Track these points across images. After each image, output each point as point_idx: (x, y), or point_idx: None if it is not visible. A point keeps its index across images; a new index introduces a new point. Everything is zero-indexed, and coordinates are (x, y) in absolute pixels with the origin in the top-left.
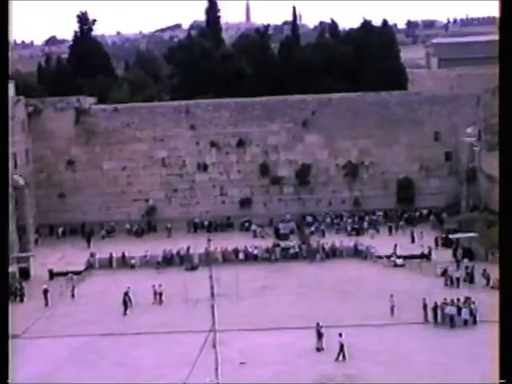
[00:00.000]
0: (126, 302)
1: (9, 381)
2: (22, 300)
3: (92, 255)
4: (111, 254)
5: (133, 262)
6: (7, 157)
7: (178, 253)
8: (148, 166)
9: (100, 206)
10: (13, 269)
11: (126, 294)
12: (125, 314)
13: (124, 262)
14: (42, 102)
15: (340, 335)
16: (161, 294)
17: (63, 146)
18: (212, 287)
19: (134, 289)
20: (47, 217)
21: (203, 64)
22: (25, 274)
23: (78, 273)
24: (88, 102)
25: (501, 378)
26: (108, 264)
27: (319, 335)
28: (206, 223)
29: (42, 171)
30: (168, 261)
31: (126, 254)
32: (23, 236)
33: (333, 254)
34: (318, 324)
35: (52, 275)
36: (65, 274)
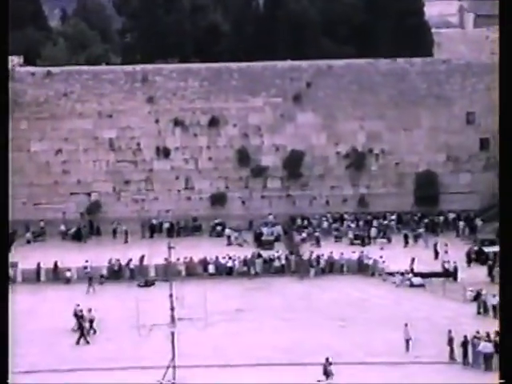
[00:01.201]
0: (82, 326)
1: (9, 381)
2: None
3: (13, 265)
4: (39, 265)
5: (68, 274)
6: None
7: (129, 263)
8: (91, 149)
9: (25, 201)
10: None
11: (77, 315)
12: (78, 342)
13: (56, 275)
14: None
15: (328, 362)
16: (91, 321)
17: None
18: (172, 309)
19: (67, 310)
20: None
21: (167, 17)
22: None
23: None
24: (11, 62)
25: (501, 377)
26: (34, 277)
27: (326, 374)
28: (166, 225)
29: None
30: (115, 274)
31: (60, 265)
32: None
33: (330, 268)
34: (327, 360)
35: None
36: None
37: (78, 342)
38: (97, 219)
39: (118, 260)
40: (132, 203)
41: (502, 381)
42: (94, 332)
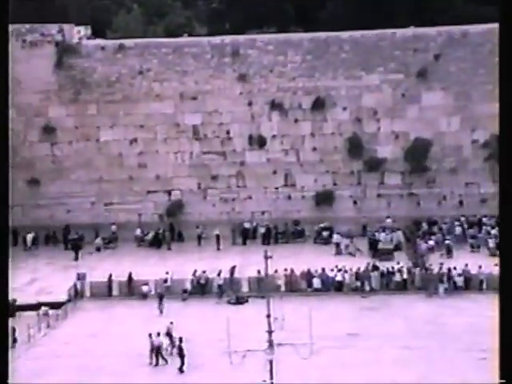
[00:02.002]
0: (183, 352)
1: (9, 381)
2: None
3: (80, 277)
4: (110, 277)
5: (145, 289)
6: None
7: (218, 275)
8: (171, 138)
9: (94, 201)
10: None
11: (170, 334)
12: (181, 370)
13: (131, 289)
14: None
15: None
16: (158, 349)
17: (36, 104)
18: (270, 332)
19: (143, 331)
20: (9, 216)
21: None
22: None
23: (56, 305)
24: (77, 33)
25: (501, 377)
26: (105, 291)
27: None
28: (261, 230)
29: None
30: (201, 288)
31: (135, 277)
32: None
33: (465, 284)
34: None
35: (15, 309)
36: (35, 307)
37: (181, 370)
38: (179, 222)
39: (205, 272)
40: (220, 203)
41: (502, 381)
42: (159, 361)
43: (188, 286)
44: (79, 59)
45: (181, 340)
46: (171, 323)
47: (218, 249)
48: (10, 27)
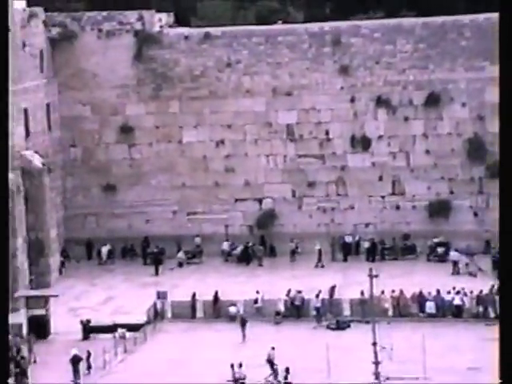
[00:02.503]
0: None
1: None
2: (24, 375)
3: (160, 296)
4: (194, 296)
5: (233, 310)
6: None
7: (317, 296)
8: (263, 139)
9: (176, 209)
10: (18, 319)
11: (271, 362)
12: None
13: (217, 310)
14: (75, 19)
15: None
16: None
17: (113, 101)
18: (376, 363)
19: (231, 358)
20: (82, 226)
21: None
22: (39, 328)
23: (134, 327)
24: (158, 21)
25: (501, 377)
26: (188, 312)
27: None
28: (365, 245)
29: (74, 144)
30: (296, 310)
31: (221, 296)
32: (39, 260)
33: None
34: None
35: (87, 331)
36: (111, 328)
37: None
38: (270, 235)
39: (300, 292)
40: (318, 213)
41: (502, 381)
42: None
43: (281, 307)
44: (160, 50)
45: (287, 371)
46: (273, 349)
47: (318, 266)
48: (85, 15)
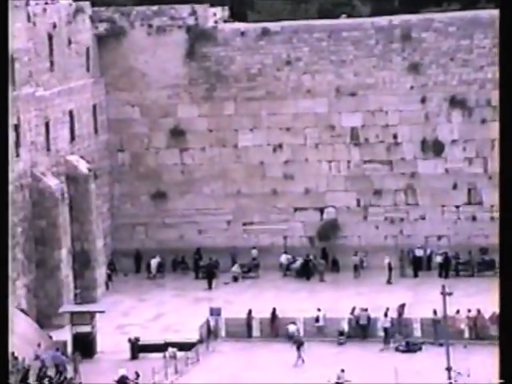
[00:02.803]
0: None
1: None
2: None
3: (214, 312)
4: (250, 313)
5: (292, 329)
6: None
7: (385, 315)
8: (325, 143)
9: (231, 219)
10: (63, 336)
11: None
12: None
13: (275, 329)
14: (124, 14)
15: None
16: None
17: (163, 102)
18: None
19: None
20: (130, 237)
21: None
22: (85, 346)
23: (186, 346)
24: (212, 16)
25: (501, 377)
26: (244, 331)
27: None
28: (437, 259)
29: (122, 149)
30: (362, 330)
31: (279, 314)
32: (84, 273)
33: None
34: None
35: (136, 350)
36: (161, 347)
37: None
38: (333, 247)
39: (366, 310)
40: (385, 224)
41: (501, 381)
42: None
43: (345, 327)
44: (214, 47)
45: None
46: (342, 371)
47: (389, 282)
48: (134, 10)
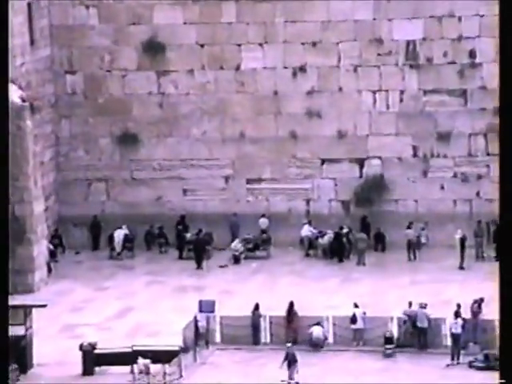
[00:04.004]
0: None
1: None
2: None
3: (204, 307)
4: (257, 309)
5: (315, 331)
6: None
7: (456, 316)
8: (368, 64)
9: (230, 175)
10: None
11: None
12: None
13: (292, 332)
14: None
15: None
16: None
17: (132, 2)
18: None
19: None
20: (84, 199)
21: None
22: (16, 356)
23: (164, 357)
24: None
25: (501, 377)
26: (248, 335)
27: None
28: None
29: (72, 70)
30: (417, 337)
31: (299, 311)
32: (15, 249)
33: None
34: None
35: (92, 361)
36: (128, 358)
37: None
38: (377, 216)
39: (425, 306)
40: (455, 183)
41: (502, 381)
42: None
43: (394, 331)
44: None
45: None
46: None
47: (461, 267)
48: None
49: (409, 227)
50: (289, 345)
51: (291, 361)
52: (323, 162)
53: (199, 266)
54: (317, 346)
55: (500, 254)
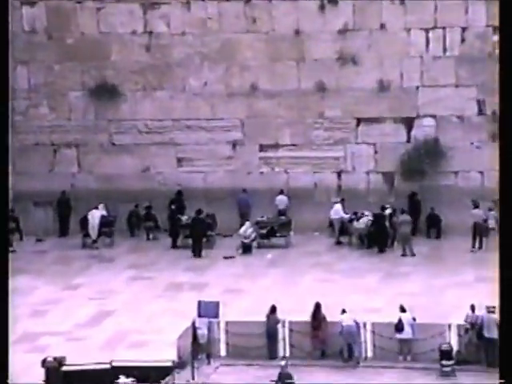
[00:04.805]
0: None
1: (9, 381)
2: None
3: (203, 310)
4: (274, 311)
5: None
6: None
7: None
8: None
9: (238, 139)
10: None
11: None
12: None
13: (319, 343)
14: None
15: None
16: None
17: None
18: None
19: None
20: (48, 170)
21: None
22: None
23: (153, 374)
24: None
25: (501, 377)
26: (262, 345)
27: None
28: None
29: (32, 0)
30: (485, 349)
31: (327, 315)
32: None
33: None
34: None
35: (57, 379)
36: (106, 376)
37: None
38: (430, 193)
39: (493, 310)
40: None
41: (502, 381)
42: None
43: (453, 343)
44: None
45: None
46: None
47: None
48: None
49: (475, 206)
50: (283, 362)
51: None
52: (359, 122)
53: (198, 256)
54: (350, 359)
55: None
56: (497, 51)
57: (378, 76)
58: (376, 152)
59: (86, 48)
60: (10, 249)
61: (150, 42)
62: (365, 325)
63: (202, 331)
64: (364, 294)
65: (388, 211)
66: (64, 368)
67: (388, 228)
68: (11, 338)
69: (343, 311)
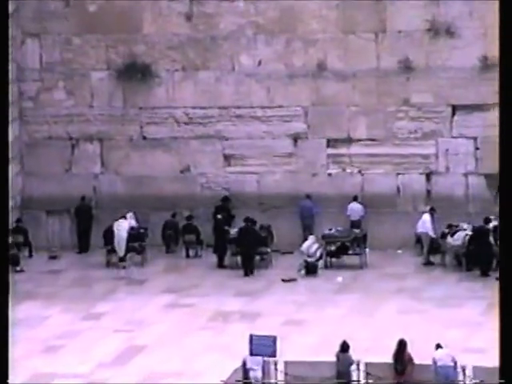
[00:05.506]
0: None
1: (9, 381)
2: None
3: (255, 347)
4: (345, 349)
5: None
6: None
7: None
8: None
9: (306, 132)
10: None
11: None
12: None
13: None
14: None
15: None
16: None
17: None
18: None
19: None
20: (65, 171)
21: None
22: None
23: None
24: None
25: (501, 377)
26: None
27: None
28: None
29: None
30: None
31: (414, 356)
32: None
33: None
34: None
35: None
36: None
37: None
38: None
39: None
40: None
41: (501, 381)
42: None
43: None
44: None
45: None
46: None
47: None
48: None
49: None
50: None
51: None
52: (455, 110)
53: (246, 273)
54: None
55: None
56: None
57: (480, 51)
58: (477, 148)
59: (111, 17)
60: (17, 268)
61: (191, 10)
62: (464, 369)
63: (255, 373)
64: (462, 329)
65: (493, 224)
66: None
67: (493, 245)
68: (18, 379)
69: (438, 346)
